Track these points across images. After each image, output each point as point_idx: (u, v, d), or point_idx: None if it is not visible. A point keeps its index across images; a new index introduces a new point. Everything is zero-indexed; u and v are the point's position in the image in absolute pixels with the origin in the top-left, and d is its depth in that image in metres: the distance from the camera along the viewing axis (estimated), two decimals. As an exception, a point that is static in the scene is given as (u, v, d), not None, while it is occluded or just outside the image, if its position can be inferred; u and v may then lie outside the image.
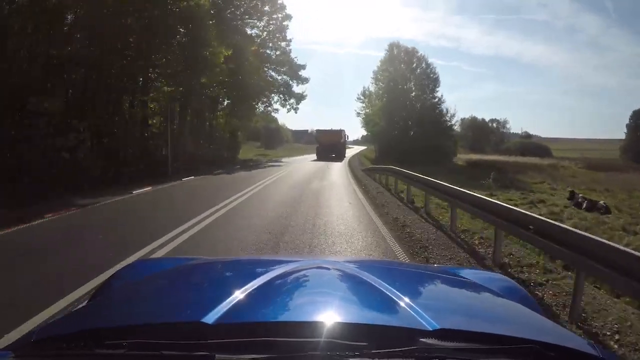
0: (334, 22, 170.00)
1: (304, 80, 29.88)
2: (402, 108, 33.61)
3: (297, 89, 30.03)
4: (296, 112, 30.95)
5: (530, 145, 54.85)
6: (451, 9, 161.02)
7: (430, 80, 34.93)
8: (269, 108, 30.93)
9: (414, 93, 34.99)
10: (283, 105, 30.32)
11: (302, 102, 29.89)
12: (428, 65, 34.79)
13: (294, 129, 75.99)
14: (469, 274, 1.46)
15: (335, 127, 34.57)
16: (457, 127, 38.53)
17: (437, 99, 34.77)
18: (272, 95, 29.60)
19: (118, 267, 3.10)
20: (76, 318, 0.92)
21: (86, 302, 1.24)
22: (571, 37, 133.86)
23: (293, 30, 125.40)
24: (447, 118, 34.59)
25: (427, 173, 8.97)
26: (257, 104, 27.73)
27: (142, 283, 1.15)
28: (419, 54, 35.57)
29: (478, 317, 0.95)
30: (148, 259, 1.56)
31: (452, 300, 1.11)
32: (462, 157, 37.70)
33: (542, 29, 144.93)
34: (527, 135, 72.55)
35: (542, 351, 0.73)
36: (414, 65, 34.98)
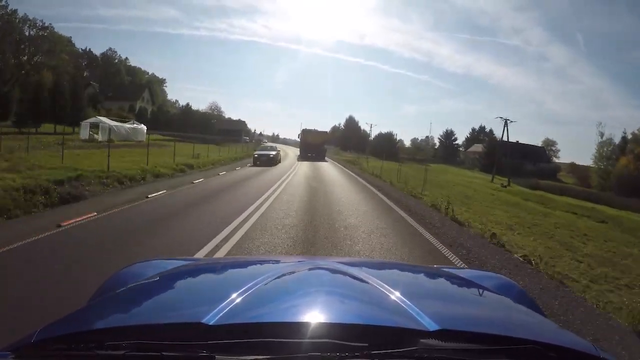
0: (306, 22, 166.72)
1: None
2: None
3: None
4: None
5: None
6: (428, 24, 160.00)
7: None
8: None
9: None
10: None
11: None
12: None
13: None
14: (468, 273, 1.47)
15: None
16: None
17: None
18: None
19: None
20: (76, 319, 0.92)
21: (86, 302, 1.23)
22: (538, 64, 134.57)
23: (257, 26, 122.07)
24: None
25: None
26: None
27: (141, 284, 1.15)
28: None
29: (478, 318, 0.95)
30: (148, 260, 1.55)
31: (452, 301, 1.11)
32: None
33: (512, 54, 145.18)
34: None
35: (542, 351, 0.74)
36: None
